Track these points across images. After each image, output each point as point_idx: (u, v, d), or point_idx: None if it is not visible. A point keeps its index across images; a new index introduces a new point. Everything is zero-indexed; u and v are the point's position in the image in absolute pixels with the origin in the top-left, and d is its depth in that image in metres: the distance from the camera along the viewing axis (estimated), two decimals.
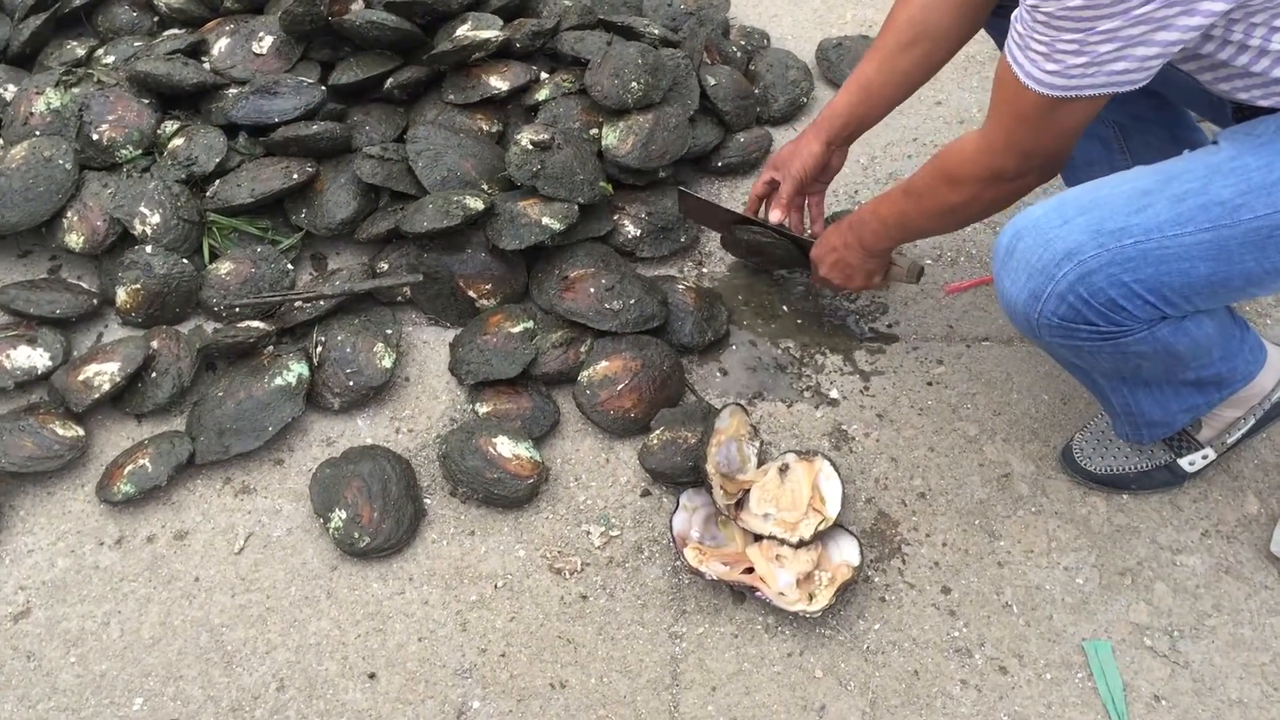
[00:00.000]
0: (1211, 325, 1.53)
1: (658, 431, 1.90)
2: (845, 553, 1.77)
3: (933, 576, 1.79)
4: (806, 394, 2.05)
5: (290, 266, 2.19)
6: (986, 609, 1.75)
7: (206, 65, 2.46)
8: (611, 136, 2.27)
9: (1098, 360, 1.54)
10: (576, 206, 2.15)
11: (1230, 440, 1.82)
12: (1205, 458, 1.83)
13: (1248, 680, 1.66)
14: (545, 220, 2.11)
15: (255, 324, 2.04)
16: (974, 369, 2.08)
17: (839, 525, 1.80)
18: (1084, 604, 1.75)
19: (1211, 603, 1.75)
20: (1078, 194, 1.44)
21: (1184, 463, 1.84)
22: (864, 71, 1.93)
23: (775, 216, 2.03)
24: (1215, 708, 1.64)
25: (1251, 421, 1.81)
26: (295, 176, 2.21)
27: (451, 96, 2.38)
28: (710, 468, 1.79)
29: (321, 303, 2.07)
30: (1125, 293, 1.40)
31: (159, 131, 2.32)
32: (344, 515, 1.81)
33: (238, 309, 2.11)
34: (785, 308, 2.20)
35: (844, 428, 1.99)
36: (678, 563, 1.80)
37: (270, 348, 2.04)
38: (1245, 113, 1.52)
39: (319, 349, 2.02)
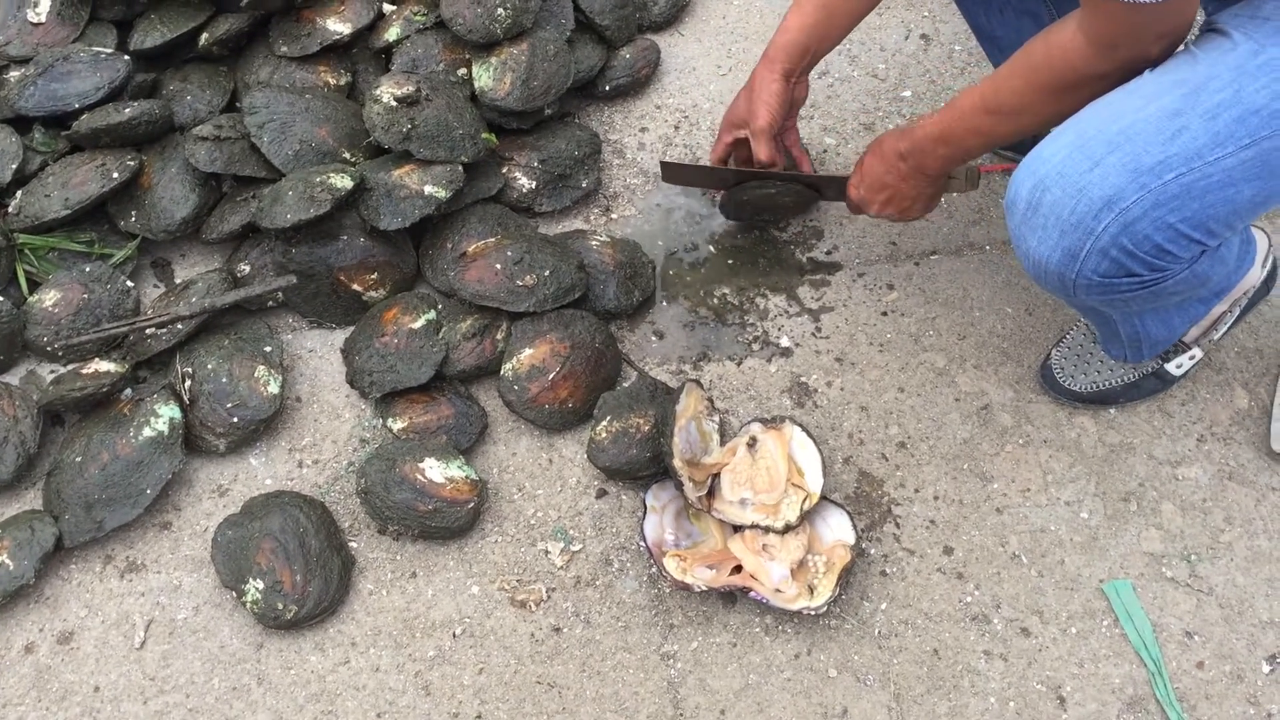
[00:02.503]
0: (1236, 242, 1.37)
1: (604, 422, 1.67)
2: (836, 529, 1.60)
3: (931, 537, 1.63)
4: (756, 346, 1.83)
5: (130, 284, 1.84)
6: (995, 564, 1.61)
7: None
8: (485, 77, 1.95)
9: (1129, 305, 1.37)
10: (460, 167, 1.85)
11: (1216, 336, 1.70)
12: (1193, 358, 1.71)
13: (1275, 596, 1.57)
14: (428, 189, 1.81)
15: (103, 366, 1.70)
16: (928, 289, 1.89)
17: (823, 498, 1.61)
18: (1093, 540, 1.62)
19: (1222, 516, 1.64)
20: (1099, 125, 1.23)
21: (1171, 367, 1.70)
22: None
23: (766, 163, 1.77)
24: (1249, 634, 1.54)
25: (1236, 314, 1.69)
26: (116, 175, 1.84)
27: (284, 48, 2.01)
28: (677, 462, 1.57)
29: (179, 326, 1.74)
30: (1170, 235, 1.22)
31: None
32: (260, 585, 1.53)
33: (76, 347, 1.76)
34: (711, 248, 1.96)
35: (803, 380, 1.79)
36: (653, 571, 1.59)
37: (128, 391, 1.70)
38: None
39: (187, 383, 1.70)
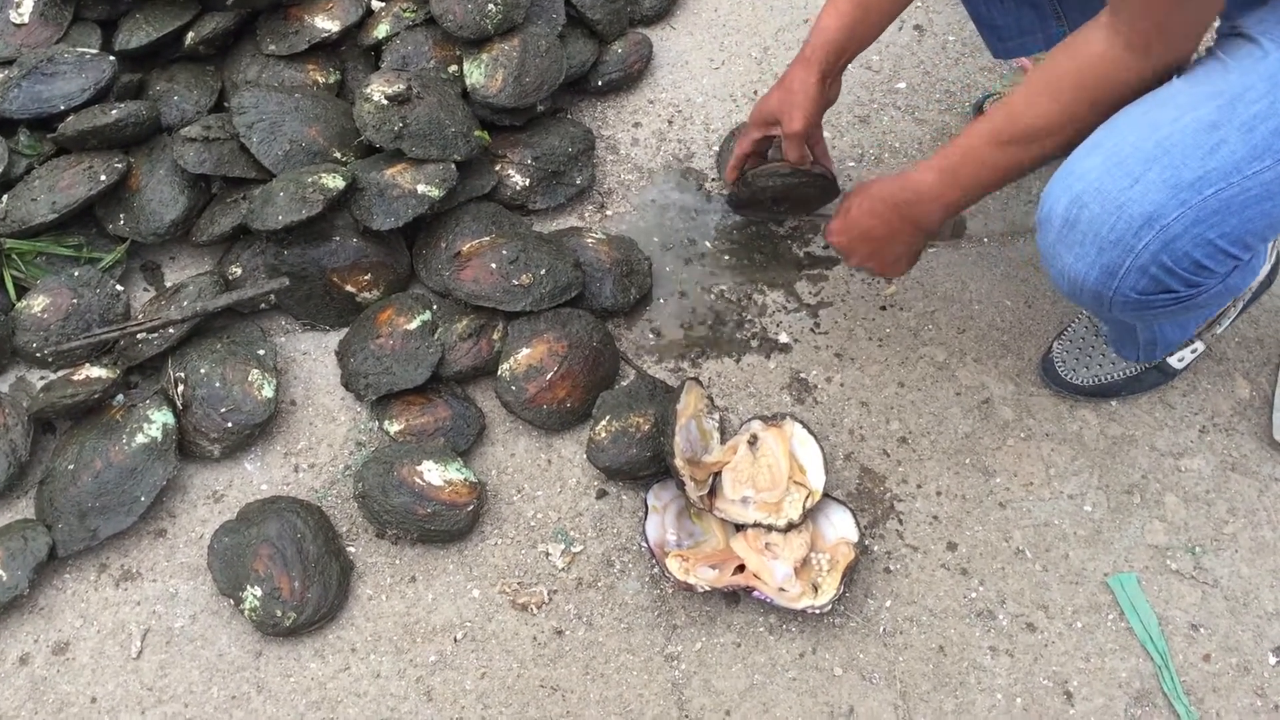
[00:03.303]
0: (1265, 250, 1.36)
1: (603, 422, 1.65)
2: (839, 527, 1.58)
3: (935, 533, 1.62)
4: (754, 342, 1.82)
5: (120, 288, 1.81)
6: (999, 560, 1.60)
7: None
8: (476, 74, 1.93)
9: (1160, 317, 1.35)
10: (453, 165, 1.83)
11: (1220, 330, 1.68)
12: (1195, 351, 1.69)
13: None
14: (421, 188, 1.79)
15: (95, 371, 1.68)
16: (926, 282, 1.88)
17: (825, 495, 1.60)
18: (1097, 534, 1.62)
19: (1225, 507, 1.64)
20: (1135, 138, 1.21)
21: (1173, 360, 1.69)
22: None
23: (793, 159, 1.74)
24: (1255, 625, 1.53)
25: (1240, 307, 1.67)
26: (103, 177, 1.81)
27: (272, 47, 1.98)
28: (679, 462, 1.56)
29: (171, 330, 1.72)
30: (1209, 251, 1.20)
31: None
32: (259, 592, 1.51)
33: (66, 352, 1.74)
34: (708, 244, 1.94)
35: (803, 376, 1.78)
36: (655, 571, 1.58)
37: (120, 397, 1.68)
38: None
39: (180, 388, 1.68)
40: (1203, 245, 1.20)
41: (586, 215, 1.98)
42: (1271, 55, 1.20)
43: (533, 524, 1.63)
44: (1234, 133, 1.18)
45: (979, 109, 2.09)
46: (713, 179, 2.02)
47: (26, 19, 2.01)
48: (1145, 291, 1.25)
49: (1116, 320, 1.45)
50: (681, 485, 1.56)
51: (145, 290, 1.88)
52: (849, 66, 2.08)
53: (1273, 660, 1.51)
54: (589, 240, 1.86)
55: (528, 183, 1.93)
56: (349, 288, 1.80)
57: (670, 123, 2.11)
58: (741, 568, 1.54)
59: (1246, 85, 1.20)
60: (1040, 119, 1.33)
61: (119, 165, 1.83)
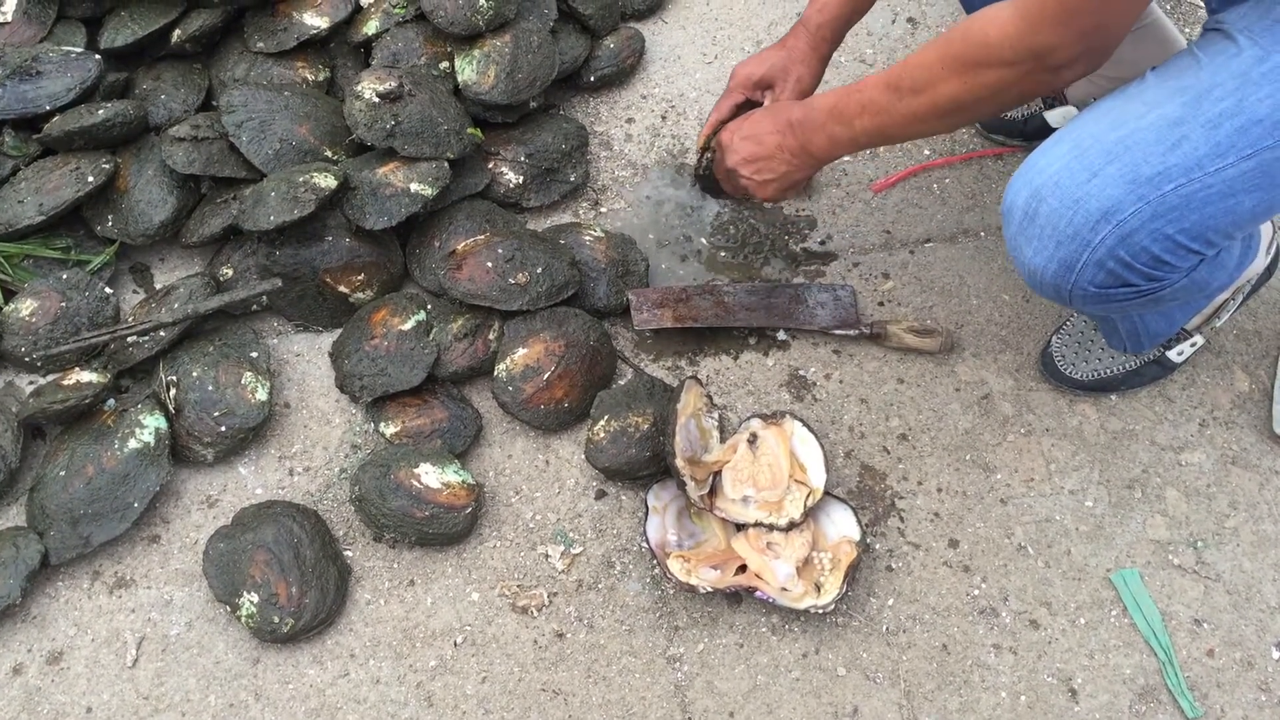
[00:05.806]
0: (1238, 246, 1.36)
1: (602, 422, 1.64)
2: (841, 525, 1.57)
3: (936, 530, 1.61)
4: (752, 340, 1.80)
5: (109, 290, 1.78)
6: (1001, 556, 1.59)
7: None
8: (468, 70, 1.91)
9: (1125, 310, 1.35)
10: (446, 163, 1.81)
11: (1218, 323, 1.68)
12: (1194, 345, 1.69)
13: None
14: (414, 187, 1.77)
15: (85, 376, 1.65)
16: (923, 278, 1.87)
17: (826, 493, 1.59)
18: (1099, 529, 1.61)
19: (1226, 501, 1.63)
20: (1097, 133, 1.21)
21: (1173, 354, 1.69)
22: None
23: None
24: (1258, 620, 1.53)
25: (1239, 300, 1.67)
26: (91, 179, 1.78)
27: (260, 44, 1.96)
28: (679, 461, 1.54)
29: (161, 333, 1.69)
30: (1169, 246, 1.20)
31: None
32: (255, 598, 1.49)
33: (55, 357, 1.71)
34: (703, 240, 1.93)
35: (801, 373, 1.76)
36: (656, 572, 1.56)
37: (111, 402, 1.66)
38: None
39: (172, 392, 1.66)
40: (1161, 240, 1.20)
41: (580, 212, 1.96)
42: (1245, 52, 1.19)
43: (532, 526, 1.62)
44: (1197, 129, 1.18)
45: None
46: None
47: (9, 17, 1.98)
48: (1103, 285, 1.25)
49: (1082, 310, 1.44)
50: (682, 485, 1.54)
51: (135, 292, 1.85)
52: (842, 61, 2.07)
53: (1276, 654, 1.51)
54: (586, 237, 1.84)
55: (521, 180, 1.91)
56: (342, 288, 1.78)
57: (664, 118, 2.09)
58: (743, 568, 1.53)
59: (1215, 82, 1.19)
60: (919, 70, 1.30)
61: (106, 166, 1.81)
